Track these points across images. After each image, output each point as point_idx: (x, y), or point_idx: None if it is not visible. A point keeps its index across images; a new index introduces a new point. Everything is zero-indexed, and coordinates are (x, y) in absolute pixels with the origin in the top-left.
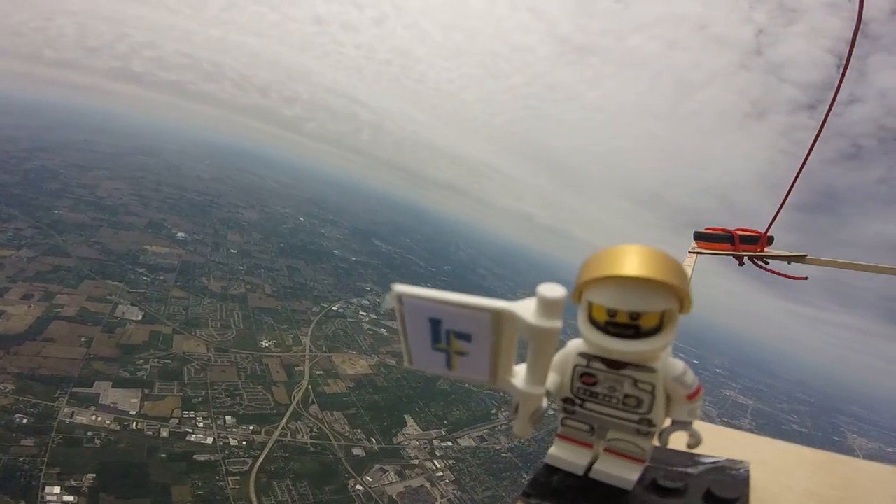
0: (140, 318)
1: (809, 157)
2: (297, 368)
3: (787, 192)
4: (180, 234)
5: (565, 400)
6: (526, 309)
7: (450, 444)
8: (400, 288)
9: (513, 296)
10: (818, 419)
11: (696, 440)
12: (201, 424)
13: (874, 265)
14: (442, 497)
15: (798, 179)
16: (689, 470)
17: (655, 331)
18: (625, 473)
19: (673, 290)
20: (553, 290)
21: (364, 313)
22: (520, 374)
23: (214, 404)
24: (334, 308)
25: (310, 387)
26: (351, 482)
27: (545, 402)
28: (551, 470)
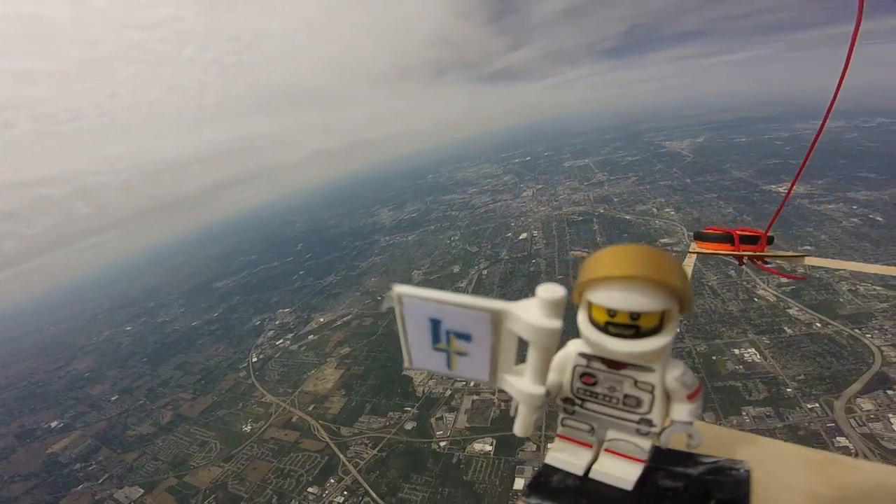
0: None
1: (809, 158)
2: None
3: (787, 192)
4: None
5: (565, 400)
6: (526, 309)
7: None
8: (400, 288)
9: None
10: (635, 140)
11: (696, 440)
12: None
13: (874, 265)
14: None
15: (798, 180)
16: (689, 470)
17: (655, 331)
18: (625, 473)
19: (673, 291)
20: (553, 291)
21: None
22: (520, 374)
23: None
24: None
25: None
26: None
27: (545, 402)
28: (551, 470)
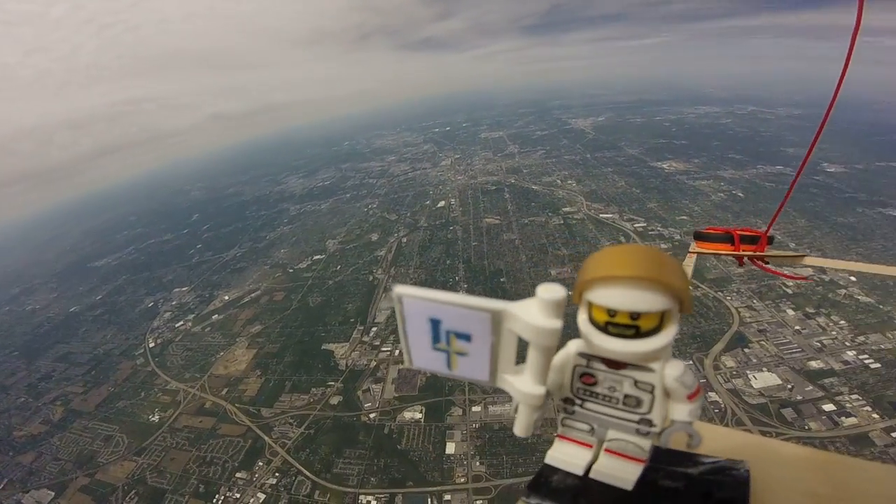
0: None
1: (809, 159)
2: None
3: (786, 192)
4: None
5: (565, 400)
6: (526, 309)
7: None
8: (400, 288)
9: None
10: (545, 115)
11: (696, 440)
12: None
13: (874, 265)
14: None
15: (797, 180)
16: (689, 470)
17: (655, 331)
18: (625, 473)
19: (673, 291)
20: (553, 291)
21: None
22: (520, 374)
23: None
24: None
25: None
26: None
27: (546, 402)
28: (551, 470)
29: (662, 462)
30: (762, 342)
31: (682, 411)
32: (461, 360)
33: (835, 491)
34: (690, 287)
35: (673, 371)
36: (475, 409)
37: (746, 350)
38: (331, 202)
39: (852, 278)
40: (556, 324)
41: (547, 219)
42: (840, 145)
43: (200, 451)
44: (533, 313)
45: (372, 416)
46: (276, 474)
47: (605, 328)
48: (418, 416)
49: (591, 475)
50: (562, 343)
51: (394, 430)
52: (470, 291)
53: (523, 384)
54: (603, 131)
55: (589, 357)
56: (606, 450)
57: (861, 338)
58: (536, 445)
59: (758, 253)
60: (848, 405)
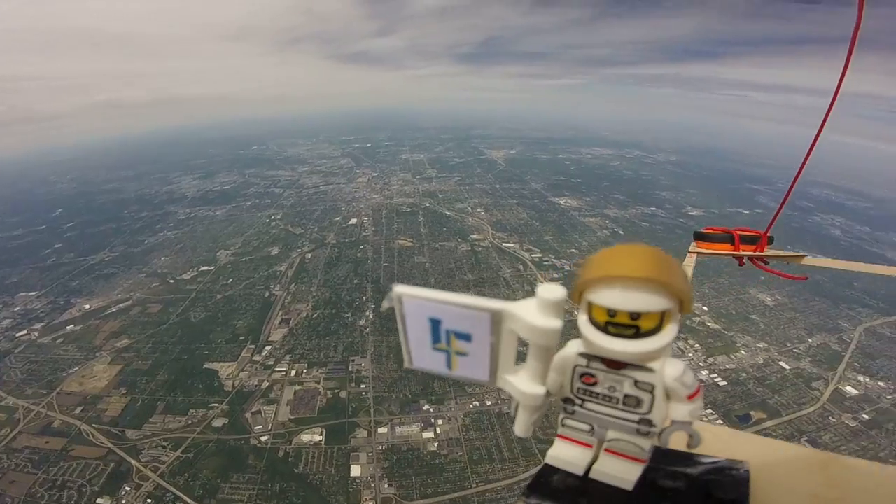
0: None
1: (808, 159)
2: None
3: (786, 193)
4: None
5: (565, 400)
6: (526, 309)
7: None
8: (400, 288)
9: None
10: (464, 143)
11: (696, 440)
12: None
13: (874, 265)
14: None
15: (797, 181)
16: (689, 470)
17: (655, 331)
18: (625, 473)
19: (673, 291)
20: (553, 291)
21: None
22: (520, 374)
23: None
24: None
25: None
26: None
27: (545, 402)
28: (551, 470)
29: (662, 462)
30: None
31: (682, 411)
32: (461, 360)
33: (835, 491)
34: (691, 287)
35: (673, 371)
36: (381, 430)
37: None
38: (228, 209)
39: (705, 308)
40: (556, 324)
41: (456, 244)
42: (702, 191)
43: (49, 474)
44: (533, 313)
45: (263, 438)
46: (148, 500)
47: (605, 328)
48: (318, 438)
49: (591, 475)
50: (562, 343)
51: (290, 453)
52: (375, 312)
53: (523, 384)
54: (513, 164)
55: (589, 357)
56: (606, 450)
57: (711, 359)
58: (444, 466)
59: (757, 253)
60: (705, 419)
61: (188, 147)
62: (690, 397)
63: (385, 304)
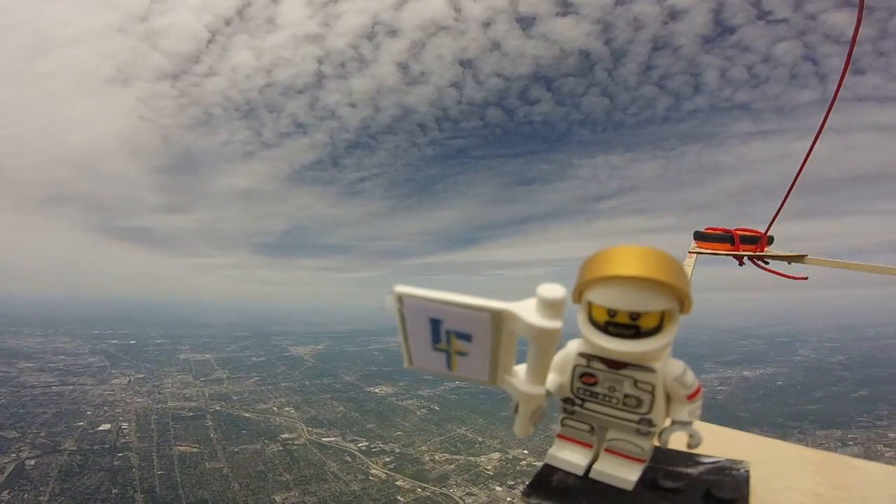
0: None
1: (809, 159)
2: None
3: (786, 193)
4: None
5: (565, 400)
6: (526, 309)
7: None
8: (400, 288)
9: None
10: (264, 341)
11: (696, 440)
12: None
13: (874, 265)
14: None
15: (797, 181)
16: (689, 470)
17: (655, 331)
18: (625, 473)
19: (673, 291)
20: (553, 291)
21: None
22: (520, 374)
23: None
24: None
25: None
26: None
27: (545, 403)
28: (551, 470)
29: (662, 462)
30: None
31: (681, 411)
32: (461, 361)
33: (835, 491)
34: (690, 287)
35: (673, 371)
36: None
37: None
38: None
39: None
40: (556, 324)
41: (263, 446)
42: None
43: None
44: (533, 313)
45: None
46: None
47: (605, 328)
48: None
49: (592, 475)
50: (562, 343)
51: None
52: None
53: (523, 384)
54: (322, 359)
55: (589, 357)
56: (606, 450)
57: None
58: None
59: (757, 253)
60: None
61: None
62: (690, 397)
63: (385, 304)
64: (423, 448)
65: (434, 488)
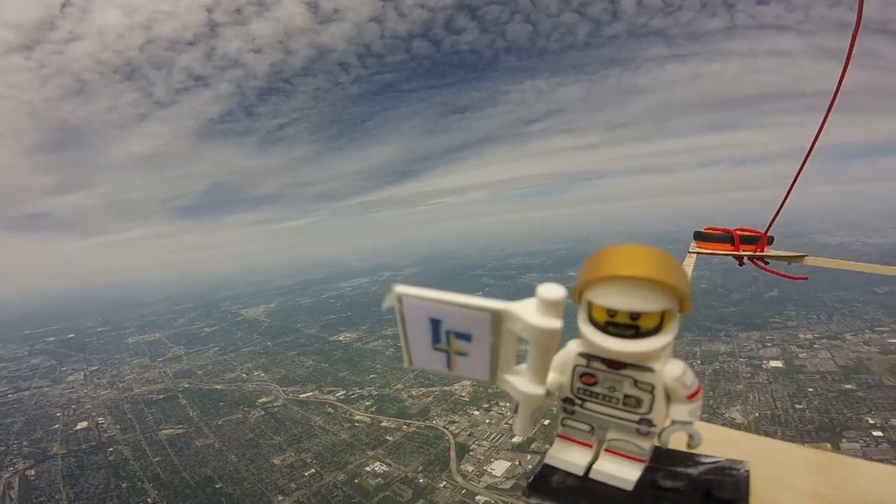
0: None
1: (809, 159)
2: None
3: (786, 193)
4: None
5: (565, 400)
6: (526, 309)
7: None
8: (400, 288)
9: None
10: (212, 309)
11: (696, 440)
12: None
13: (874, 265)
14: None
15: (797, 181)
16: (689, 470)
17: (655, 331)
18: (625, 473)
19: (673, 291)
20: (553, 291)
21: None
22: (520, 374)
23: None
24: None
25: None
26: None
27: (545, 402)
28: (551, 470)
29: (662, 462)
30: (477, 442)
31: (682, 411)
32: (461, 360)
33: (835, 491)
34: (690, 287)
35: (673, 371)
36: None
37: (471, 453)
38: None
39: None
40: (556, 324)
41: (245, 414)
42: (443, 289)
43: None
44: (533, 313)
45: None
46: None
47: (604, 328)
48: None
49: (591, 475)
50: (562, 343)
51: None
52: None
53: (523, 384)
54: (278, 317)
55: (589, 357)
56: (606, 450)
57: None
58: None
59: (758, 253)
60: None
61: None
62: (690, 397)
63: (385, 304)
64: (399, 386)
65: (418, 423)
